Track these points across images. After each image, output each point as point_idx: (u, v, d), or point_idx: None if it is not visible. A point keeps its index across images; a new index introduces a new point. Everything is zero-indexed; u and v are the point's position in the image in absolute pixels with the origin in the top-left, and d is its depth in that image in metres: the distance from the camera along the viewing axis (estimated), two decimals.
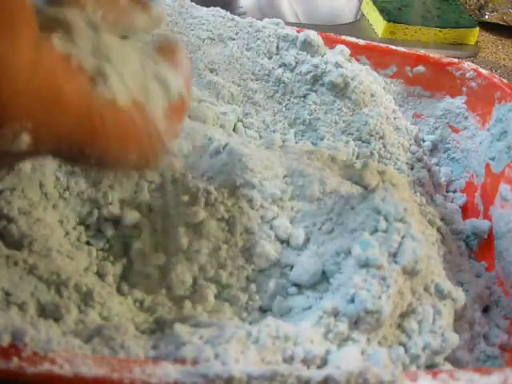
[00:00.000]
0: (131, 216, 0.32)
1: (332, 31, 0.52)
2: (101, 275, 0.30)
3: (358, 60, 0.48)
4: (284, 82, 0.45)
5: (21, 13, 0.18)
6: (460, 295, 0.32)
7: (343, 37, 0.50)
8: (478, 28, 0.76)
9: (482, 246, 0.41)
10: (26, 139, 0.18)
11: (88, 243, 0.31)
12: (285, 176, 0.34)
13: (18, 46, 0.18)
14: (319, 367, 0.25)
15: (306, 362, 0.25)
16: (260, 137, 0.43)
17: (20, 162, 0.22)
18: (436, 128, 0.50)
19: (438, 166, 0.48)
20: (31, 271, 0.28)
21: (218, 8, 0.48)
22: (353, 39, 0.50)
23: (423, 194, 0.42)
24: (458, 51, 0.74)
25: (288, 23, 0.49)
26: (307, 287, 0.31)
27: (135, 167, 0.23)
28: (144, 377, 0.23)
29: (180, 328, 0.26)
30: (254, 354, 0.25)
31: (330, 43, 0.47)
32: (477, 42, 0.77)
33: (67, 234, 0.31)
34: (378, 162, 0.42)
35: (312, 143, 0.43)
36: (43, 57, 0.19)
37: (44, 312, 0.27)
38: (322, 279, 0.31)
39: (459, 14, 0.77)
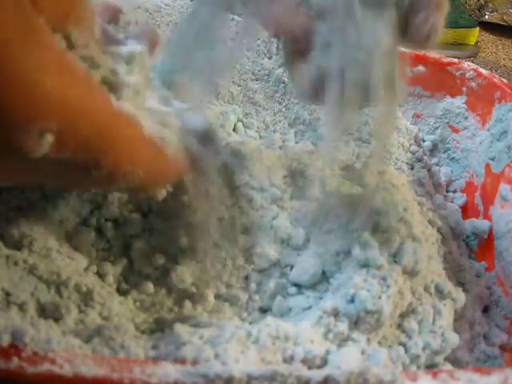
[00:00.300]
0: (131, 216, 0.32)
1: None
2: (101, 275, 0.30)
3: None
4: (284, 82, 0.45)
5: (41, 23, 0.19)
6: (460, 295, 0.32)
7: None
8: (477, 28, 0.76)
9: (482, 246, 0.41)
10: (49, 139, 0.19)
11: (88, 243, 0.31)
12: (285, 176, 0.34)
13: (42, 48, 0.18)
14: (319, 367, 0.25)
15: (306, 362, 0.25)
16: (260, 137, 0.43)
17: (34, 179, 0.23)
18: (436, 128, 0.50)
19: (438, 166, 0.48)
20: (31, 271, 0.28)
21: None
22: None
23: (423, 194, 0.42)
24: (458, 51, 0.74)
25: None
26: (307, 287, 0.31)
27: (140, 187, 0.24)
28: (144, 377, 0.22)
29: (180, 328, 0.26)
30: (254, 354, 0.25)
31: None
32: (477, 42, 0.77)
33: (67, 233, 0.31)
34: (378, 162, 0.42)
35: (312, 143, 0.43)
36: (66, 67, 0.19)
37: (44, 312, 0.26)
38: (322, 279, 0.31)
39: (459, 14, 0.77)
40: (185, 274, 0.30)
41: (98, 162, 0.21)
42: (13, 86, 0.18)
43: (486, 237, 0.41)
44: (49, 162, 0.20)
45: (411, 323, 0.29)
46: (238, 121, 0.43)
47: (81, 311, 0.27)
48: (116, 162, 0.22)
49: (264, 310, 0.31)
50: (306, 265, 0.30)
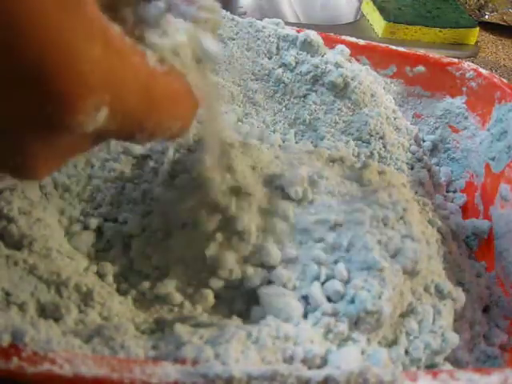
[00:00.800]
0: (131, 216, 0.32)
1: (332, 31, 0.52)
2: (101, 275, 0.30)
3: (358, 60, 0.48)
4: (284, 82, 0.45)
5: None
6: (460, 295, 0.32)
7: (343, 37, 0.49)
8: (477, 28, 0.76)
9: (482, 246, 0.41)
10: (105, 112, 0.19)
11: (88, 243, 0.31)
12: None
13: (87, 19, 0.18)
14: (319, 367, 0.25)
15: (306, 362, 0.25)
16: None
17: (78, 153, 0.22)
18: (436, 128, 0.50)
19: (438, 166, 0.48)
20: (31, 271, 0.28)
21: None
22: (353, 39, 0.49)
23: (423, 194, 0.42)
24: (458, 51, 0.74)
25: (288, 23, 0.49)
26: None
27: (176, 134, 0.24)
28: (144, 377, 0.23)
29: (180, 328, 0.26)
30: (254, 353, 0.25)
31: (330, 43, 0.47)
32: (477, 42, 0.77)
33: (67, 233, 0.31)
34: (378, 162, 0.42)
35: (312, 143, 0.43)
36: (109, 33, 0.19)
37: (44, 312, 0.27)
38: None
39: (459, 14, 0.77)
40: (184, 275, 0.30)
41: (142, 126, 0.21)
42: (60, 63, 0.17)
43: (485, 237, 0.41)
44: (95, 133, 0.20)
45: (411, 323, 0.29)
46: (238, 121, 0.43)
47: (81, 311, 0.27)
48: (159, 121, 0.22)
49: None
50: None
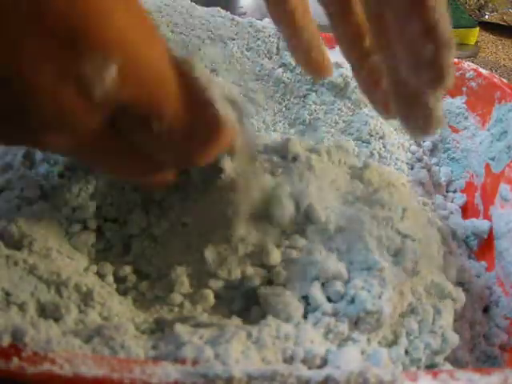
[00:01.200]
0: (131, 216, 0.32)
1: None
2: (101, 275, 0.30)
3: None
4: (284, 82, 0.45)
5: None
6: (460, 295, 0.32)
7: None
8: (478, 28, 0.76)
9: (482, 246, 0.41)
10: (113, 70, 0.19)
11: (88, 243, 0.31)
12: None
13: None
14: (319, 367, 0.25)
15: (306, 362, 0.25)
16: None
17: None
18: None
19: (437, 166, 0.48)
20: (31, 271, 0.28)
21: (218, 8, 0.48)
22: None
23: (423, 194, 0.42)
24: (458, 51, 0.74)
25: None
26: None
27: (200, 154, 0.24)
28: (144, 377, 0.22)
29: (180, 328, 0.26)
30: (254, 353, 0.25)
31: (330, 43, 0.47)
32: (477, 42, 0.77)
33: (67, 234, 0.31)
34: (378, 162, 0.42)
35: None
36: (134, 10, 0.20)
37: (44, 312, 0.26)
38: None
39: (459, 14, 0.77)
40: (185, 274, 0.30)
41: (159, 108, 0.22)
42: (84, 11, 0.18)
43: (485, 237, 0.41)
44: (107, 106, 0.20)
45: (411, 323, 0.29)
46: None
47: (81, 311, 0.27)
48: (175, 117, 0.22)
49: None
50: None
